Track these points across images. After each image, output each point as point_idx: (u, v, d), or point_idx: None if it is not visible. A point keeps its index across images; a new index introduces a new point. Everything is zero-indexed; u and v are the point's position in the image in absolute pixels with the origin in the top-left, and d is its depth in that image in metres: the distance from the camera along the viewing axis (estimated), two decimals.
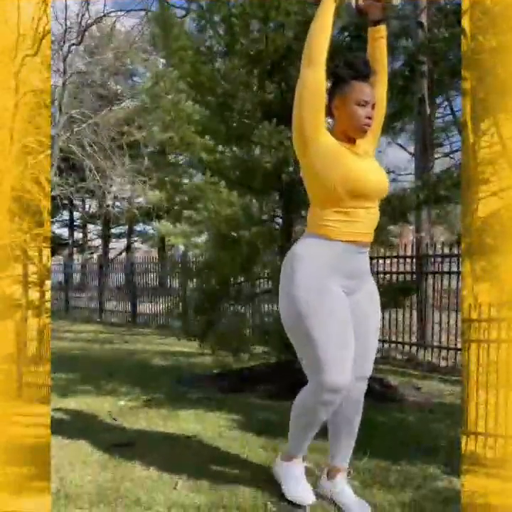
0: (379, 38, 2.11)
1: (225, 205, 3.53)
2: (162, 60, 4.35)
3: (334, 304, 1.90)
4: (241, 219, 3.61)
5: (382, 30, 2.11)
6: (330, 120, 2.03)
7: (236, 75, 3.90)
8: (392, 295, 4.34)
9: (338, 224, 1.92)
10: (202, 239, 4.27)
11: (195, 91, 3.91)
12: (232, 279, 4.32)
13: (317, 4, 1.97)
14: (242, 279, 4.38)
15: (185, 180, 4.21)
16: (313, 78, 1.89)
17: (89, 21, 14.09)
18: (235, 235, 3.65)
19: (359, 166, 1.92)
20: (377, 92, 2.08)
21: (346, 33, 4.00)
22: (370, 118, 1.94)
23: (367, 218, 1.95)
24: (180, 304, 4.68)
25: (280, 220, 4.34)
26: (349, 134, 1.97)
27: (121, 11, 15.65)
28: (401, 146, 14.18)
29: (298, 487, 2.16)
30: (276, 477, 2.27)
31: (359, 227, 1.94)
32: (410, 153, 13.81)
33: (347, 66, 1.96)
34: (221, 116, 4.01)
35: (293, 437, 2.18)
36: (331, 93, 1.97)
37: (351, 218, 1.92)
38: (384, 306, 4.38)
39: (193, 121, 3.65)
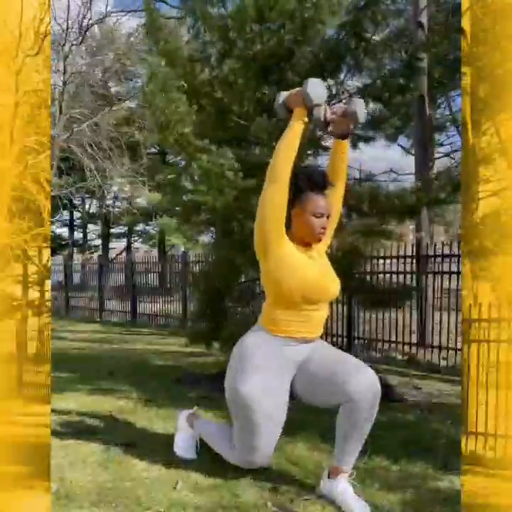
0: (342, 153, 2.31)
1: (229, 188, 3.51)
2: (162, 63, 4.36)
3: (270, 400, 2.11)
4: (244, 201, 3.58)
5: (346, 145, 2.29)
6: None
7: (233, 76, 3.90)
8: (392, 296, 4.34)
9: (290, 324, 2.14)
10: (202, 238, 4.28)
11: (190, 94, 3.91)
12: (236, 278, 4.30)
13: (284, 117, 2.13)
14: (249, 277, 4.36)
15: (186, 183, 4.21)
16: (276, 193, 2.02)
17: (90, 22, 14.10)
18: (238, 226, 3.64)
19: (314, 273, 2.10)
20: (334, 199, 2.28)
21: (343, 32, 4.00)
22: (324, 228, 2.14)
23: (316, 318, 2.17)
24: (181, 306, 4.67)
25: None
26: (305, 240, 2.16)
27: (122, 11, 15.59)
28: (401, 146, 14.18)
29: None
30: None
31: (309, 326, 2.16)
32: (410, 153, 13.81)
33: (305, 179, 2.13)
34: (218, 118, 4.01)
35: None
36: (291, 201, 2.11)
37: (302, 319, 2.14)
38: (384, 306, 4.36)
39: (188, 123, 3.66)
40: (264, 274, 2.15)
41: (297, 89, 2.13)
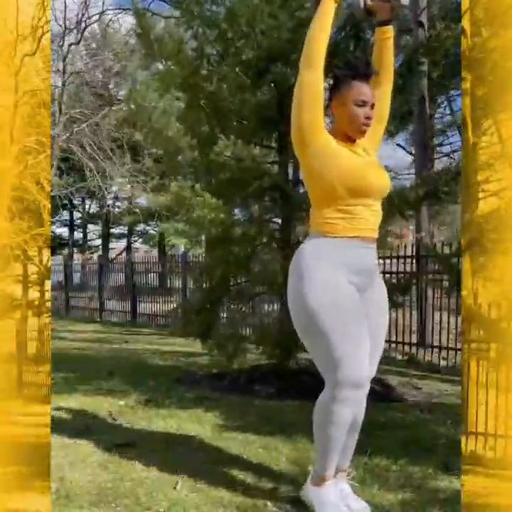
0: (386, 39, 2.11)
1: (210, 211, 3.55)
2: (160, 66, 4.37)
3: (346, 299, 1.89)
4: (227, 222, 3.63)
5: (389, 30, 2.10)
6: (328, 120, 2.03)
7: (230, 77, 3.91)
8: (389, 294, 4.34)
9: (340, 221, 1.92)
10: (201, 238, 4.29)
11: (187, 95, 3.93)
12: (232, 280, 4.32)
13: (316, 5, 1.96)
14: (241, 279, 4.38)
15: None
16: (312, 79, 1.89)
17: (88, 21, 14.11)
18: (225, 235, 3.67)
19: (358, 164, 1.92)
20: (382, 91, 2.09)
21: (343, 33, 4.00)
22: (368, 118, 1.93)
23: (369, 215, 1.94)
24: (181, 303, 4.68)
25: (280, 221, 4.34)
26: (348, 134, 1.97)
27: (118, 9, 15.58)
28: (401, 146, 14.21)
29: None
30: (308, 504, 2.03)
31: (362, 223, 1.93)
32: (410, 153, 13.84)
33: (347, 66, 1.96)
34: (215, 118, 4.01)
35: (321, 453, 1.98)
36: (331, 93, 1.97)
37: (353, 216, 1.92)
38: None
39: (183, 126, 3.68)
40: (304, 171, 1.99)
41: None
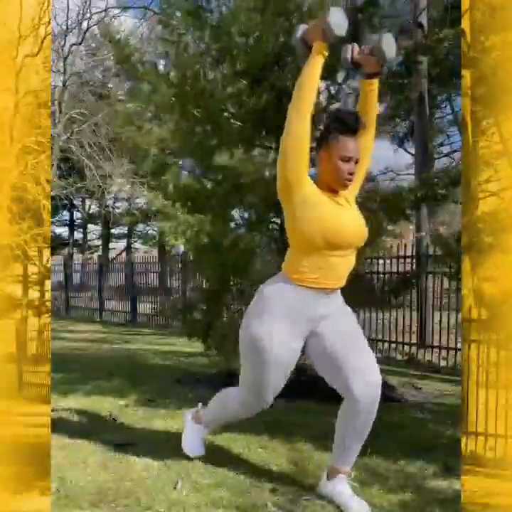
0: (371, 91, 2.17)
1: (193, 227, 3.57)
2: (161, 65, 4.36)
3: (283, 345, 2.05)
4: (215, 232, 3.65)
5: (375, 83, 2.16)
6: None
7: (227, 83, 3.91)
8: (388, 293, 4.35)
9: (313, 271, 2.01)
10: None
11: (182, 104, 3.93)
12: (230, 281, 4.32)
13: (305, 56, 2.01)
14: (240, 280, 4.38)
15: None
16: (300, 128, 1.94)
17: (90, 22, 14.11)
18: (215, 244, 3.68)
19: (338, 217, 1.99)
20: (364, 142, 2.15)
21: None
22: (352, 174, 2.01)
23: (342, 266, 2.05)
24: (179, 302, 4.68)
25: (279, 222, 4.34)
26: (331, 186, 2.04)
27: (120, 7, 15.58)
28: (401, 146, 14.19)
29: None
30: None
31: (333, 275, 2.04)
32: (410, 154, 13.83)
33: (335, 120, 2.02)
34: (210, 126, 4.01)
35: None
36: (318, 145, 2.03)
37: (326, 266, 2.01)
38: (382, 305, 4.33)
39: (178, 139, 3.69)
40: (287, 217, 2.05)
41: (316, 20, 2.01)
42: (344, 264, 2.05)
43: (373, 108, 2.19)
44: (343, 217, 2.00)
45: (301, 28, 2.04)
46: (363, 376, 2.02)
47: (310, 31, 2.01)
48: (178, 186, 3.82)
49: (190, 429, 2.64)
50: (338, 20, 1.94)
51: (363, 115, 2.12)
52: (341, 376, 2.04)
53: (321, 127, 2.02)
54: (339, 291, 2.16)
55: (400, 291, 4.43)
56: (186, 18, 3.88)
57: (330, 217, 1.96)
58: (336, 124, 2.00)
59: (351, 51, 2.07)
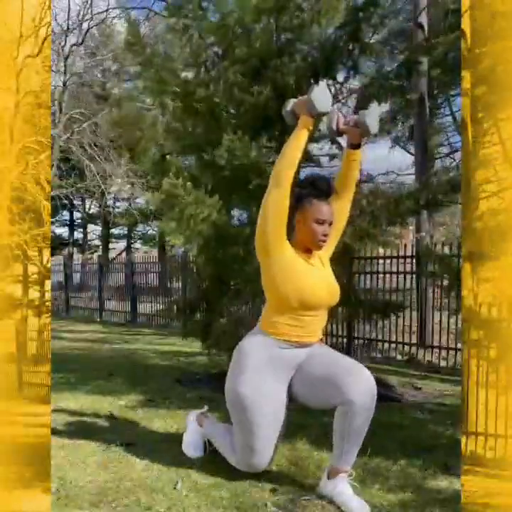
0: (353, 160, 2.28)
1: (203, 208, 3.56)
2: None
3: (269, 401, 2.16)
4: (220, 220, 3.64)
5: (357, 154, 2.28)
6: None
7: (227, 78, 3.91)
8: (388, 294, 4.35)
9: (287, 327, 2.15)
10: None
11: (181, 99, 3.93)
12: (229, 280, 4.31)
13: (293, 123, 2.14)
14: (239, 279, 4.38)
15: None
16: (279, 197, 2.05)
17: (90, 22, 14.10)
18: (219, 235, 3.67)
19: (312, 279, 2.12)
20: (341, 205, 2.29)
21: (341, 33, 4.00)
22: (325, 235, 2.15)
23: (314, 324, 2.19)
24: (179, 302, 4.68)
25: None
26: (307, 246, 2.17)
27: (120, 8, 15.55)
28: (401, 146, 14.19)
29: None
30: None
31: (306, 331, 2.17)
32: (410, 154, 13.82)
33: (309, 185, 2.15)
34: (212, 120, 4.01)
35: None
36: (294, 207, 2.13)
37: (300, 324, 2.15)
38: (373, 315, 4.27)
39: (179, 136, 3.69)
40: (263, 276, 2.18)
41: (303, 97, 2.13)
42: (317, 322, 2.20)
43: (353, 176, 2.32)
44: (317, 280, 2.14)
45: (291, 102, 2.19)
46: (356, 376, 2.06)
47: (297, 105, 2.15)
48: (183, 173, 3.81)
49: (192, 430, 2.66)
50: (320, 97, 2.07)
51: (343, 182, 2.28)
52: (335, 385, 2.06)
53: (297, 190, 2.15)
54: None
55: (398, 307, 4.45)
56: (194, 8, 3.90)
57: (305, 282, 2.10)
58: (309, 190, 2.15)
59: (336, 121, 2.19)
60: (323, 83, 2.11)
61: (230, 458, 2.39)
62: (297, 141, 2.08)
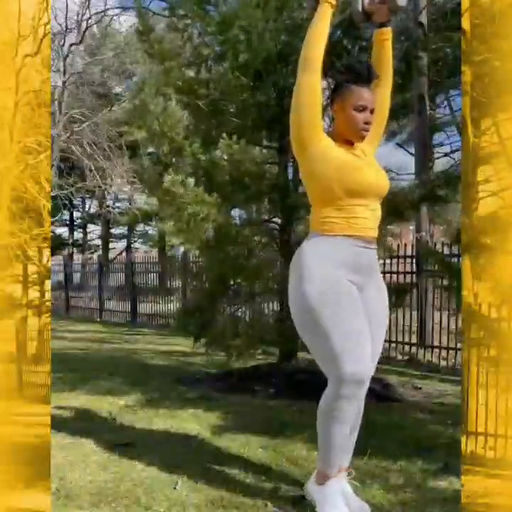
0: (384, 40, 2.13)
1: (204, 207, 3.55)
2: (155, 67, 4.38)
3: (345, 296, 1.90)
4: (221, 219, 3.63)
5: (387, 32, 2.12)
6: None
7: (228, 78, 3.91)
8: (389, 294, 4.36)
9: (339, 220, 1.94)
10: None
11: (185, 96, 3.93)
12: (230, 279, 4.32)
13: (314, 9, 1.99)
14: (239, 279, 4.38)
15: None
16: (311, 82, 1.92)
17: (90, 21, 14.10)
18: (220, 234, 3.67)
19: (355, 165, 1.94)
20: (381, 94, 2.11)
21: (339, 31, 4.00)
22: (368, 123, 1.95)
23: (367, 214, 1.96)
24: (180, 302, 4.68)
25: (280, 221, 4.34)
26: (347, 138, 1.99)
27: (119, 8, 15.59)
28: (401, 145, 14.18)
29: None
30: (311, 501, 2.04)
31: (360, 222, 1.95)
32: (410, 153, 13.82)
33: (348, 71, 1.97)
34: (214, 119, 4.01)
35: (324, 450, 1.99)
36: (332, 96, 2.00)
37: (351, 215, 1.94)
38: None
39: (182, 127, 3.68)
40: (302, 171, 2.02)
41: None
42: (370, 214, 1.96)
43: (388, 58, 2.14)
44: (360, 166, 1.95)
45: None
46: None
47: None
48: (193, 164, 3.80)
49: (324, 497, 2.00)
50: None
51: (378, 66, 2.09)
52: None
53: (330, 78, 2.01)
54: (376, 254, 2.05)
55: (405, 293, 4.45)
56: (194, 8, 3.90)
57: (346, 166, 1.91)
58: (347, 75, 1.96)
59: (361, 1, 2.05)
60: None
61: (345, 413, 1.91)
62: (321, 19, 1.92)
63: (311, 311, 1.89)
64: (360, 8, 2.06)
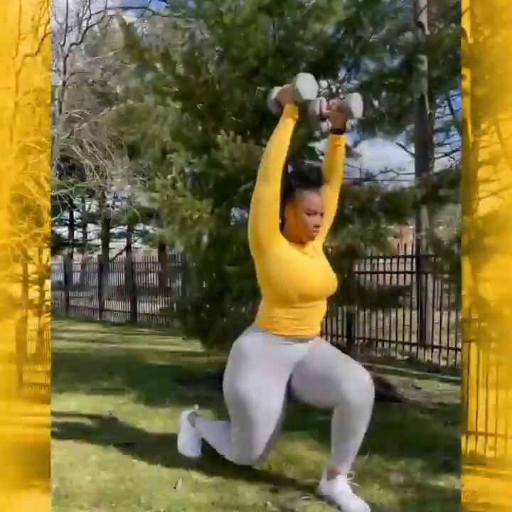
0: (337, 146, 2.25)
1: (195, 211, 3.56)
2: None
3: (268, 398, 2.14)
4: (212, 222, 3.64)
5: (342, 139, 2.25)
6: None
7: (227, 78, 3.91)
8: (388, 294, 4.36)
9: (287, 322, 2.11)
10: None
11: (179, 99, 3.92)
12: (229, 279, 4.31)
13: (278, 113, 2.08)
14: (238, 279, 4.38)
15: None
16: (268, 193, 2.03)
17: (90, 21, 14.10)
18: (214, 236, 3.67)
19: (309, 270, 2.09)
20: (330, 195, 2.25)
21: (341, 31, 3.99)
22: (317, 226, 2.12)
23: (314, 316, 2.16)
24: (180, 302, 4.67)
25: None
26: (299, 238, 2.14)
27: (119, 7, 15.55)
28: (401, 146, 14.19)
29: None
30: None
31: (306, 323, 2.14)
32: (410, 153, 13.81)
33: (299, 176, 2.11)
34: (211, 120, 4.00)
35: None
36: (284, 199, 2.08)
37: (299, 317, 2.11)
38: (380, 307, 4.31)
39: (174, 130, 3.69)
40: (259, 272, 2.14)
41: (288, 85, 2.08)
42: (316, 314, 2.17)
43: (340, 163, 2.28)
44: (314, 269, 2.11)
45: (275, 91, 2.14)
46: (353, 376, 2.03)
47: (281, 93, 2.10)
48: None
49: (186, 430, 2.66)
50: (304, 86, 2.02)
51: (329, 169, 2.25)
52: (332, 384, 2.04)
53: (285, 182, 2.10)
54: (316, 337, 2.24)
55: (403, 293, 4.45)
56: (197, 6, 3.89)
57: (303, 273, 2.07)
58: (299, 181, 2.10)
59: (319, 106, 2.12)
60: (307, 73, 2.06)
61: (226, 453, 2.40)
62: (283, 132, 2.02)
63: (231, 397, 2.19)
64: (317, 112, 2.12)
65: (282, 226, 2.12)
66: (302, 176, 2.12)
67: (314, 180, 2.12)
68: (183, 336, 4.66)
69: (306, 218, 2.09)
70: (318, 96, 2.13)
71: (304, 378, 2.17)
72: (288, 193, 2.09)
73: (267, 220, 2.03)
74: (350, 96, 2.15)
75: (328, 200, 2.22)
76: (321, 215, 2.12)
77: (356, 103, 2.13)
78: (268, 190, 2.00)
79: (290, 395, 2.24)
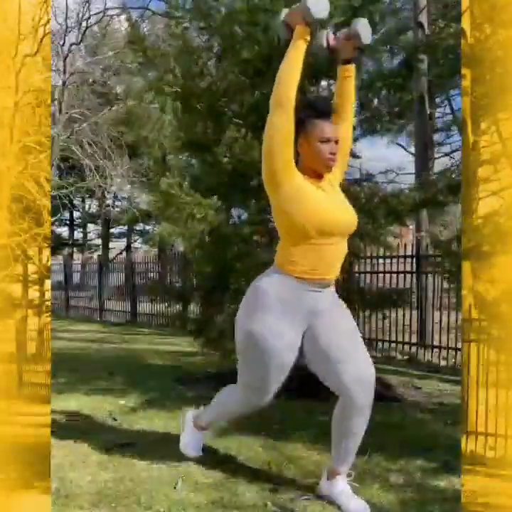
0: (347, 77, 2.19)
1: (200, 209, 3.55)
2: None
3: (281, 343, 2.04)
4: (216, 220, 3.64)
5: (351, 69, 2.18)
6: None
7: (229, 78, 3.90)
8: (389, 294, 4.36)
9: (306, 261, 2.00)
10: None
11: (183, 99, 3.92)
12: (228, 279, 4.31)
13: (287, 41, 1.98)
14: (238, 278, 4.38)
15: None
16: (283, 121, 1.92)
17: (90, 21, 14.11)
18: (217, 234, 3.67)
19: (326, 204, 1.99)
20: (342, 128, 2.15)
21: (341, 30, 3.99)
22: (333, 154, 2.00)
23: (333, 255, 2.03)
24: (180, 301, 4.67)
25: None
26: (315, 170, 2.03)
27: (119, 8, 15.56)
28: (401, 145, 14.20)
29: None
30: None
31: (325, 264, 2.02)
32: (410, 153, 13.82)
33: (308, 106, 2.02)
34: (213, 120, 4.00)
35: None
36: (296, 132, 2.01)
37: (318, 256, 2.00)
38: (380, 307, 4.29)
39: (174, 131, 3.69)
40: (274, 209, 2.04)
41: (297, 4, 1.96)
42: (335, 253, 2.04)
43: (350, 94, 2.21)
44: (332, 204, 2.00)
45: (284, 12, 2.02)
46: (356, 374, 2.00)
47: (291, 14, 1.98)
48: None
49: (189, 430, 2.64)
50: (317, 4, 1.90)
51: (340, 101, 2.16)
52: (334, 374, 2.02)
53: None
54: (333, 288, 2.14)
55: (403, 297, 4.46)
56: (193, 10, 3.88)
57: (318, 205, 1.96)
58: (309, 111, 2.00)
59: (326, 37, 2.05)
60: None
61: (235, 409, 2.40)
62: (295, 55, 1.93)
63: (246, 343, 2.09)
64: (324, 44, 2.06)
65: (296, 163, 2.02)
66: (311, 106, 2.03)
67: (324, 108, 2.03)
68: (183, 330, 4.63)
69: (320, 146, 1.98)
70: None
71: (313, 346, 2.09)
72: (299, 125, 1.99)
73: (281, 149, 1.92)
74: (357, 21, 2.07)
75: (342, 132, 2.12)
76: (336, 142, 2.01)
77: (364, 28, 2.05)
78: (283, 115, 1.91)
79: (301, 353, 2.14)
